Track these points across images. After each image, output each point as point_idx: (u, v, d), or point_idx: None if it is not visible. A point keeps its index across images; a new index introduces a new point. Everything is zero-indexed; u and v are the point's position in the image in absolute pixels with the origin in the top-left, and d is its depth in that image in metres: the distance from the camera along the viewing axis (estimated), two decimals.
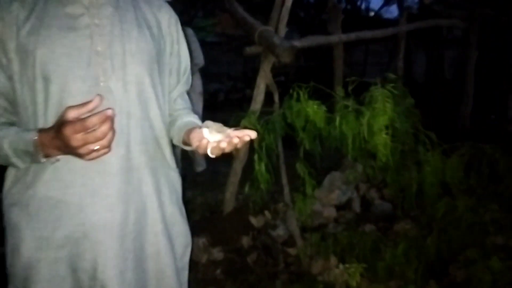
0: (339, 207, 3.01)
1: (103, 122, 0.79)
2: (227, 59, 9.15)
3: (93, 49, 0.92)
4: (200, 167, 3.86)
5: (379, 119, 1.43)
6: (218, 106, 7.40)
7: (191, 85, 1.22)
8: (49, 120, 0.90)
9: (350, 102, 1.58)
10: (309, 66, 9.56)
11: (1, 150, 0.90)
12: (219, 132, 0.89)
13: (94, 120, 0.78)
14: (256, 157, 1.73)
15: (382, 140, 1.42)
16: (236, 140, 0.87)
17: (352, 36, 2.75)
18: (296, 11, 9.03)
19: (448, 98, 4.75)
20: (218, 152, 0.90)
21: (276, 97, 2.48)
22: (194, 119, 1.11)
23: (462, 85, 3.97)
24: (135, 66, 0.97)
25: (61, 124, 0.80)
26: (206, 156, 0.92)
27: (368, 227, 2.61)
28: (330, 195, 3.02)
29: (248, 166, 2.37)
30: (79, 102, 0.84)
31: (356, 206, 3.06)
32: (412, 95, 1.92)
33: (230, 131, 0.89)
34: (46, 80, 0.90)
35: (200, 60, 3.75)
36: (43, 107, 0.91)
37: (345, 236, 2.08)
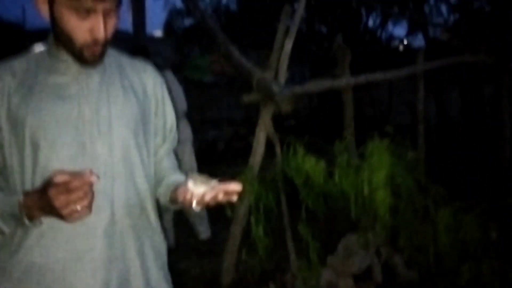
0: (357, 277, 3.09)
1: (84, 184, 0.97)
2: (227, 102, 9.49)
3: (81, 116, 1.14)
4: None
5: (377, 174, 1.61)
6: (217, 157, 7.58)
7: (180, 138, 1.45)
8: (36, 184, 1.09)
9: (350, 156, 1.78)
10: (323, 107, 9.91)
11: None
12: (204, 183, 1.06)
13: (76, 183, 0.97)
14: (252, 219, 1.90)
15: (381, 197, 1.59)
16: (221, 196, 1.05)
17: (362, 78, 3.00)
18: (307, 46, 9.52)
19: (484, 141, 4.94)
20: (203, 206, 1.07)
21: (278, 149, 2.68)
22: (181, 177, 1.30)
23: (499, 127, 4.18)
24: (121, 130, 1.18)
25: (46, 185, 0.99)
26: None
27: None
28: (346, 263, 3.11)
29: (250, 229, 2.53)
30: (66, 167, 1.05)
31: (378, 275, 3.14)
32: (446, 137, 2.10)
33: (215, 183, 1.06)
34: (35, 146, 1.10)
35: (183, 105, 4.04)
36: (30, 172, 1.11)
37: None
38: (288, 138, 2.92)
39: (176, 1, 9.20)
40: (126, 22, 4.44)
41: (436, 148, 5.50)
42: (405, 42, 10.40)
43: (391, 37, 9.54)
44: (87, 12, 1.09)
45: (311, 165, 1.77)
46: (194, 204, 1.07)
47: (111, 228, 1.14)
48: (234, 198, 1.08)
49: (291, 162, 1.85)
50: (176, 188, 1.20)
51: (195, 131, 4.35)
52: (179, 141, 4.11)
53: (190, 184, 1.06)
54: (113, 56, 1.27)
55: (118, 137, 1.18)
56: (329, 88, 3.01)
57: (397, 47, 9.72)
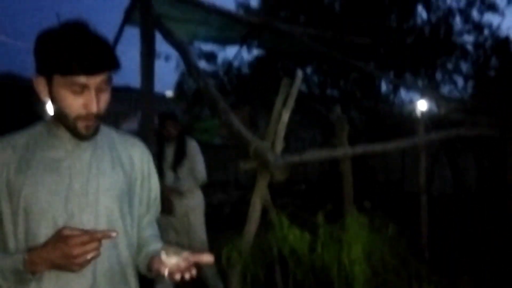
0: None
1: (94, 239, 1.15)
2: (234, 165, 9.72)
3: (71, 187, 1.32)
4: None
5: (354, 248, 1.73)
6: (223, 221, 7.67)
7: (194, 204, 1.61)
8: (28, 248, 1.25)
9: (332, 228, 1.91)
10: (333, 172, 10.04)
11: None
12: (175, 254, 1.20)
13: (94, 236, 1.15)
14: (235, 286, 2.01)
15: (358, 272, 1.70)
16: (188, 276, 1.20)
17: (359, 150, 3.17)
18: (318, 110, 9.83)
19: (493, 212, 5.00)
20: (176, 277, 1.20)
21: (273, 216, 2.83)
22: (160, 246, 1.43)
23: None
24: (107, 201, 1.36)
25: (60, 237, 1.16)
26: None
27: None
28: None
29: None
30: (52, 233, 1.22)
31: None
32: (460, 207, 2.21)
33: (187, 254, 1.21)
34: (27, 214, 1.27)
35: (202, 175, 4.21)
36: (23, 238, 1.28)
37: None
38: (296, 202, 3.05)
39: None
40: (137, 80, 4.75)
41: (446, 218, 5.56)
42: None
43: (403, 102, 9.79)
44: (81, 88, 1.25)
45: (295, 236, 1.90)
46: (165, 274, 1.21)
47: None
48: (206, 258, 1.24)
49: (278, 233, 1.98)
50: (152, 257, 1.35)
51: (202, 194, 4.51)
52: (191, 208, 4.45)
53: (163, 256, 1.21)
54: (104, 133, 1.46)
55: (104, 207, 1.35)
56: (327, 158, 3.18)
57: (410, 112, 9.95)
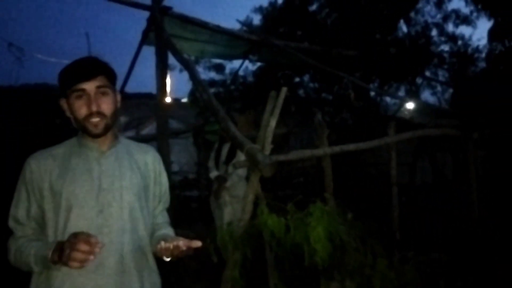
0: None
1: (96, 244, 1.28)
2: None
3: (101, 187, 1.52)
4: None
5: (316, 229, 1.94)
6: None
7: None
8: (66, 236, 1.38)
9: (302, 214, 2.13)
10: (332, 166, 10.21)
11: (28, 256, 1.43)
12: (172, 241, 1.40)
13: (94, 239, 1.28)
14: (230, 263, 2.22)
15: (320, 247, 1.90)
16: (182, 249, 1.38)
17: (337, 149, 3.37)
18: (312, 110, 10.00)
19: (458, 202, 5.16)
20: (168, 254, 1.41)
21: (264, 207, 3.04)
22: (168, 231, 1.67)
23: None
24: (129, 197, 1.56)
25: (76, 235, 1.29)
26: None
27: None
28: None
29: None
30: (89, 224, 1.45)
31: None
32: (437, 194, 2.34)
33: (181, 240, 1.40)
34: (69, 208, 1.47)
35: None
36: (62, 227, 1.47)
37: None
38: (296, 193, 3.23)
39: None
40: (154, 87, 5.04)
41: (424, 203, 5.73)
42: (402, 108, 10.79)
43: (388, 105, 9.95)
44: (82, 93, 1.47)
45: (273, 221, 2.11)
46: (164, 257, 1.44)
47: (121, 268, 1.50)
48: (194, 244, 1.40)
49: (260, 219, 2.20)
50: (158, 241, 1.51)
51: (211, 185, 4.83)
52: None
53: (162, 242, 1.42)
54: (123, 143, 1.68)
55: (127, 202, 1.56)
56: (310, 156, 3.38)
57: (394, 114, 10.11)
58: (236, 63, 10.42)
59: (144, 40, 5.34)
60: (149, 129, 10.71)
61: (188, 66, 3.94)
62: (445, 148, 8.64)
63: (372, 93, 10.30)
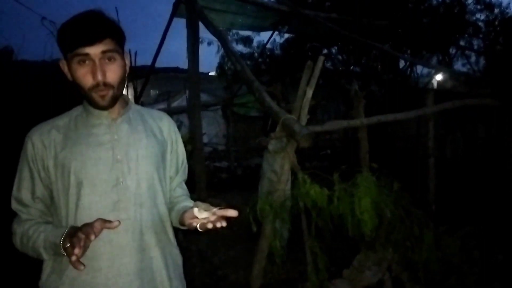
0: None
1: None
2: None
3: (114, 157, 1.32)
4: None
5: (363, 200, 1.87)
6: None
7: None
8: (78, 217, 1.26)
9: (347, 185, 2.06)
10: (357, 138, 10.04)
11: (37, 241, 1.26)
12: (206, 210, 1.21)
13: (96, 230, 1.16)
14: (268, 233, 2.19)
15: (367, 218, 1.84)
16: (219, 225, 1.19)
17: (374, 119, 3.26)
18: (340, 83, 9.80)
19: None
20: (205, 228, 1.21)
21: (300, 177, 2.99)
22: (190, 203, 1.46)
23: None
24: (146, 166, 1.37)
25: (84, 225, 1.17)
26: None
27: None
28: (360, 276, 3.31)
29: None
30: (103, 200, 1.28)
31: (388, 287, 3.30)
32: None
33: (216, 210, 1.21)
34: (79, 185, 1.27)
35: None
36: (74, 207, 1.28)
37: None
38: (323, 165, 3.17)
39: None
40: (185, 62, 4.99)
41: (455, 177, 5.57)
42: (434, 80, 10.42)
43: (419, 76, 9.61)
44: (85, 59, 1.23)
45: (316, 192, 2.06)
46: (198, 227, 1.24)
47: (141, 245, 1.33)
48: (231, 213, 1.22)
49: (302, 189, 2.15)
50: (183, 213, 1.35)
51: (241, 158, 4.80)
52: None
53: (195, 211, 1.24)
54: (136, 110, 1.47)
55: (144, 172, 1.36)
56: (346, 127, 3.29)
57: (426, 85, 9.77)
58: (264, 36, 10.25)
59: (175, 12, 5.26)
60: (179, 102, 10.74)
61: (221, 37, 3.85)
62: (477, 119, 8.35)
63: (402, 65, 9.99)
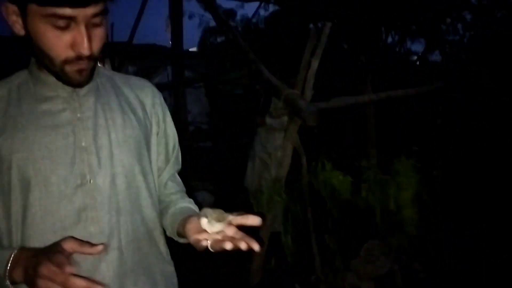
0: (378, 281, 3.02)
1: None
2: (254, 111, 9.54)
3: (77, 145, 0.92)
4: None
5: (404, 192, 1.55)
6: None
7: None
8: (26, 232, 0.88)
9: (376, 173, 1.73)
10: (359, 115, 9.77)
11: None
12: (219, 221, 0.85)
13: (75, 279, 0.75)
14: (282, 228, 1.87)
15: (409, 214, 1.53)
16: (243, 246, 0.82)
17: (383, 95, 2.94)
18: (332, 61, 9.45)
19: None
20: (221, 248, 0.84)
21: (304, 161, 2.64)
22: (190, 204, 1.10)
23: None
24: (123, 156, 0.97)
25: (52, 248, 0.80)
26: None
27: None
28: (368, 267, 3.05)
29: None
30: (62, 208, 0.89)
31: (398, 279, 3.06)
32: None
33: (232, 219, 0.86)
34: (25, 186, 0.89)
35: None
36: (20, 218, 0.89)
37: None
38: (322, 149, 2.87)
39: (210, 20, 9.33)
40: (166, 38, 4.66)
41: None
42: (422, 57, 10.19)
43: (409, 53, 9.34)
44: (67, 23, 0.84)
45: (338, 180, 1.73)
46: (209, 246, 0.85)
47: (121, 270, 0.96)
48: (255, 246, 0.82)
49: (319, 175, 1.81)
50: (185, 220, 0.97)
51: (225, 136, 4.43)
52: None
53: (204, 223, 0.86)
54: (105, 75, 1.05)
55: (120, 165, 0.97)
56: (353, 103, 2.95)
57: (415, 62, 9.51)
58: (249, 9, 9.75)
59: None
60: (159, 78, 10.26)
61: (211, 5, 3.46)
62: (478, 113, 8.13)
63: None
